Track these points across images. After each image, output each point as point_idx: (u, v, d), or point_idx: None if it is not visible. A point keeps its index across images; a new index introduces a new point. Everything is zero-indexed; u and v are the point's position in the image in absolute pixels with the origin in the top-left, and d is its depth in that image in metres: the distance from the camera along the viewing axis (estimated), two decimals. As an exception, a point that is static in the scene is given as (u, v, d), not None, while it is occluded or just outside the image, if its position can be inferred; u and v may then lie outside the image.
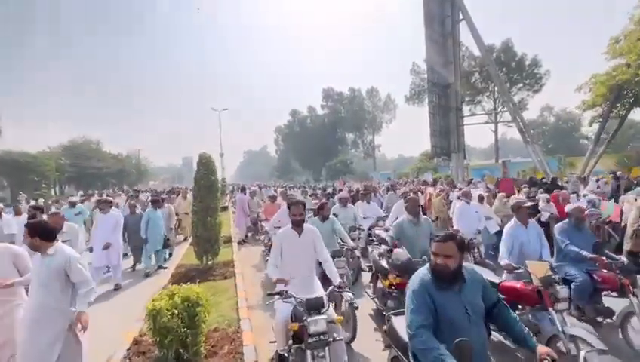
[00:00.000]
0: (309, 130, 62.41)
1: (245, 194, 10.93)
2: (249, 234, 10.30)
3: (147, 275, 6.73)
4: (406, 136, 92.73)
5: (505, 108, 35.64)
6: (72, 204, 8.17)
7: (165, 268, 7.13)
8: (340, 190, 15.17)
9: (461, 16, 23.01)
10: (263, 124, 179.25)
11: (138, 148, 57.92)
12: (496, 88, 35.20)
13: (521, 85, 34.67)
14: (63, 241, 2.92)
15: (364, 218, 6.71)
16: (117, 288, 6.02)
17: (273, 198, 8.52)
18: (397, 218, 4.82)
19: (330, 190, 16.02)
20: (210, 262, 6.67)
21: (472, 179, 18.38)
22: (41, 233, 2.65)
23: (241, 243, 9.58)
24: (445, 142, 23.87)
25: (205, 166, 6.59)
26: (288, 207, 3.25)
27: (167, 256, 8.00)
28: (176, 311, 2.97)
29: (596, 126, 19.06)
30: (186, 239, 10.02)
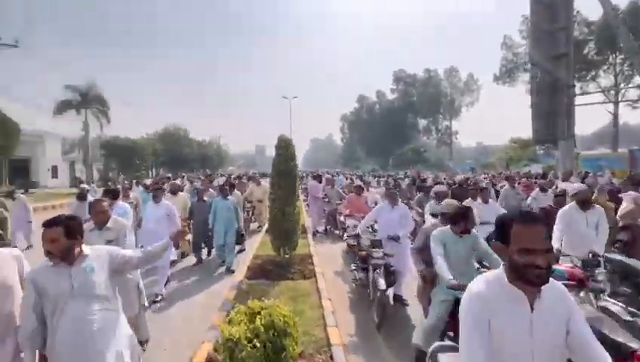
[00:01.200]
0: (376, 117, 59.86)
1: (320, 182, 10.10)
2: (328, 228, 9.32)
3: (228, 270, 5.95)
4: (487, 121, 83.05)
5: (629, 85, 28.64)
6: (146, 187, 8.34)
7: (232, 271, 5.92)
8: (424, 179, 13.51)
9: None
10: (331, 111, 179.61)
11: (218, 135, 62.88)
12: (617, 60, 28.39)
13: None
14: (107, 242, 2.65)
15: (481, 223, 4.79)
16: (156, 300, 4.57)
17: (359, 189, 7.29)
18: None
19: (408, 180, 14.46)
20: (287, 256, 6.02)
21: (587, 172, 14.88)
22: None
23: (314, 234, 8.91)
24: (551, 127, 19.87)
25: (285, 150, 5.86)
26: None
27: (235, 255, 6.41)
28: (257, 343, 2.17)
29: None
30: (260, 228, 9.69)
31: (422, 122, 60.22)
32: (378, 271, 3.91)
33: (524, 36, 34.74)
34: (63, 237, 1.76)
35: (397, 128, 55.96)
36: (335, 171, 28.95)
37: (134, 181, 18.47)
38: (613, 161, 20.41)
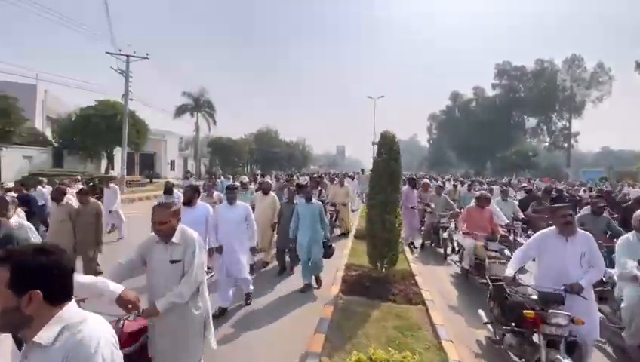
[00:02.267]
0: (472, 116, 53.75)
1: (414, 187, 8.34)
2: (427, 243, 7.84)
3: (302, 291, 5.01)
4: (614, 121, 66.58)
5: None
6: (244, 186, 7.81)
7: (320, 283, 5.26)
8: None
9: None
10: (414, 111, 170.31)
11: (304, 136, 65.76)
12: None
13: None
14: (172, 263, 2.30)
15: None
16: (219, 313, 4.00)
17: (484, 201, 5.73)
18: None
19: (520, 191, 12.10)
20: (384, 271, 5.24)
21: None
22: None
23: (410, 246, 7.74)
24: None
25: (388, 148, 5.09)
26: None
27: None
28: None
29: None
30: (344, 234, 8.96)
31: (530, 121, 51.92)
32: (557, 346, 2.54)
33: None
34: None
35: (498, 128, 49.42)
36: (429, 175, 26.60)
37: (230, 176, 20.09)
38: None
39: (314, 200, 5.29)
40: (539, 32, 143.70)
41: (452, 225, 7.54)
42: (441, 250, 7.16)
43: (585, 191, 10.34)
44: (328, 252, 5.20)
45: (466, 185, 11.40)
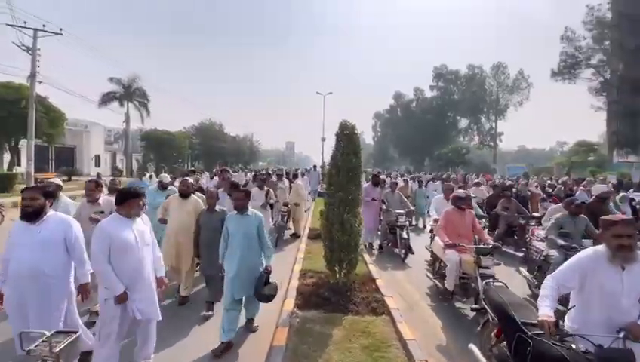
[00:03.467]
0: (413, 115, 57.16)
1: (377, 184, 7.56)
2: (384, 243, 7.25)
3: (248, 323, 3.75)
4: (530, 123, 76.71)
5: None
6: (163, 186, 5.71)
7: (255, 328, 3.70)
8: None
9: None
10: (361, 109, 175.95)
11: (252, 131, 63.36)
12: None
13: None
14: None
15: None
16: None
17: (464, 202, 4.66)
18: None
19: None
20: (344, 277, 4.72)
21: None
22: None
23: (369, 248, 7.23)
24: (629, 129, 17.05)
25: (348, 140, 4.56)
26: None
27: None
28: None
29: None
30: (296, 236, 8.31)
31: (462, 122, 56.63)
32: None
33: (590, 28, 30.96)
34: None
35: (435, 127, 53.06)
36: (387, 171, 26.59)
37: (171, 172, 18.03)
38: None
39: (251, 210, 3.52)
40: (475, 38, 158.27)
41: (408, 223, 7.09)
42: (399, 251, 6.67)
43: (537, 186, 10.74)
44: (264, 294, 3.38)
45: (417, 181, 11.42)
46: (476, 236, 4.49)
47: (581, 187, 8.76)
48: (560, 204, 5.52)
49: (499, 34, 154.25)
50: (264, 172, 16.84)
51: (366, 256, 6.29)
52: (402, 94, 60.99)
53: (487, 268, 3.70)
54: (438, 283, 4.65)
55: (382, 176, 9.80)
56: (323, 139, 37.84)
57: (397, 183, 8.22)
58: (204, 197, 4.58)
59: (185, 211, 4.39)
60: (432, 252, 5.19)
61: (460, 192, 4.82)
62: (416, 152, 55.80)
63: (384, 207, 7.20)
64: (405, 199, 7.51)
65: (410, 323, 3.77)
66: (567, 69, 33.20)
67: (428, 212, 10.39)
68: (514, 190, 8.62)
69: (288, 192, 8.86)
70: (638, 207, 5.73)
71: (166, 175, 6.29)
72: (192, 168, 20.89)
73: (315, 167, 18.47)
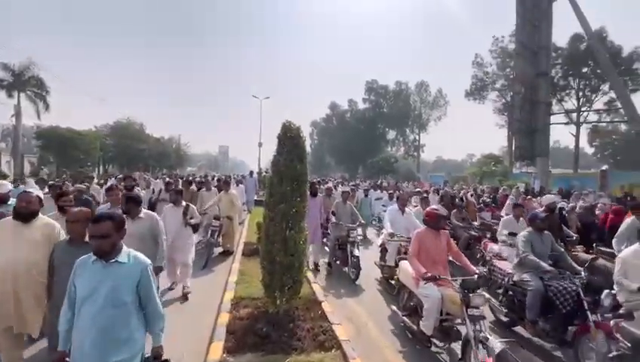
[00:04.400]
0: (347, 125, 59.48)
1: (315, 194, 6.48)
2: (334, 261, 6.38)
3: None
4: (445, 137, 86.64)
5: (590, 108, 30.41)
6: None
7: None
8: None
9: (561, -8, 18.77)
10: (300, 116, 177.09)
11: (179, 133, 58.03)
12: (580, 85, 30.03)
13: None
14: None
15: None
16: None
17: (442, 221, 3.96)
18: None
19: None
20: (284, 302, 4.00)
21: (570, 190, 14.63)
22: None
23: (315, 270, 6.38)
24: (529, 144, 19.87)
25: (293, 144, 3.89)
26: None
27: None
28: None
29: None
30: (228, 253, 7.21)
31: (390, 133, 60.69)
32: None
33: (495, 56, 35.97)
34: None
35: (367, 138, 55.85)
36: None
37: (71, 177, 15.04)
38: (586, 180, 20.77)
39: (129, 254, 1.97)
40: (400, 58, 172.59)
41: (359, 238, 6.26)
42: (348, 270, 5.88)
43: (472, 194, 11.23)
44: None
45: (362, 190, 11.18)
46: (456, 262, 3.75)
47: (511, 196, 9.40)
48: (511, 216, 5.51)
49: (424, 55, 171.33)
50: (190, 177, 14.93)
51: (309, 274, 5.64)
52: (337, 105, 63.12)
53: (476, 307, 2.96)
54: (409, 323, 3.74)
55: (329, 184, 9.24)
56: (260, 144, 36.63)
57: (349, 193, 7.23)
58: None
59: (24, 241, 2.71)
60: (397, 279, 4.30)
61: (439, 210, 3.88)
62: (350, 160, 57.89)
63: (333, 219, 6.32)
64: (356, 211, 6.76)
65: (365, 358, 3.22)
66: (478, 90, 38.05)
67: (372, 221, 10.10)
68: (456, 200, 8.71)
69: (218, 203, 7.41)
70: (566, 214, 6.24)
71: (31, 181, 4.83)
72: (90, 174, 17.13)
73: (252, 172, 16.55)
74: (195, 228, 5.20)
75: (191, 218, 5.07)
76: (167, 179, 11.48)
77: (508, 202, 8.41)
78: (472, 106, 40.10)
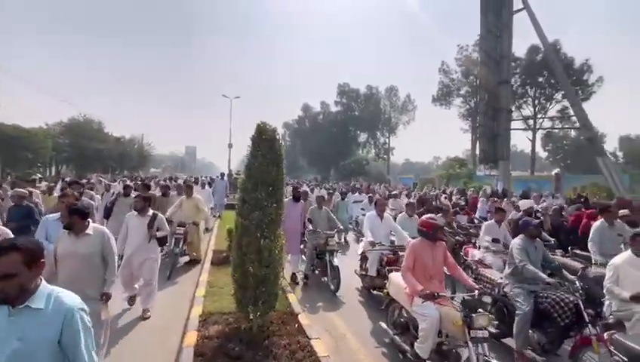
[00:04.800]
0: (320, 127, 59.58)
1: (299, 200, 6.15)
2: (313, 270, 6.04)
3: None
4: (415, 140, 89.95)
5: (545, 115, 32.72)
6: None
7: None
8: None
9: (520, 6, 19.95)
10: (271, 118, 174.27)
11: (142, 132, 54.72)
12: (536, 93, 32.25)
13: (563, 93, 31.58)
14: None
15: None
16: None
17: (439, 232, 3.48)
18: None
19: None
20: (260, 318, 3.70)
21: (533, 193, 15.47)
22: None
23: (294, 282, 5.87)
24: (492, 148, 20.88)
25: (268, 147, 3.61)
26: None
27: None
28: None
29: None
30: (195, 262, 6.71)
31: (362, 136, 61.63)
32: None
33: (459, 64, 37.70)
34: None
35: (339, 140, 56.26)
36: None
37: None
38: (543, 183, 22.23)
39: (54, 295, 1.38)
40: (371, 62, 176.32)
41: (338, 246, 5.88)
42: (329, 281, 5.50)
43: (446, 197, 11.36)
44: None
45: (337, 193, 10.90)
46: (452, 276, 3.46)
47: (482, 198, 9.63)
48: (492, 221, 5.34)
49: (395, 61, 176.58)
50: (148, 180, 13.79)
51: (285, 284, 5.34)
52: (310, 106, 63.06)
53: (480, 328, 2.70)
54: (401, 343, 3.42)
55: (304, 188, 8.80)
56: (230, 146, 35.55)
57: (324, 198, 6.82)
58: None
59: None
60: (386, 293, 3.86)
61: (436, 219, 3.53)
62: (322, 162, 57.96)
63: (310, 227, 5.90)
64: (333, 216, 6.32)
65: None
66: (444, 96, 39.66)
67: (351, 226, 9.67)
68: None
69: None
70: (541, 217, 6.41)
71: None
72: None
73: (222, 174, 15.48)
74: (163, 241, 4.59)
75: (158, 230, 4.43)
76: (127, 181, 10.58)
77: (480, 205, 8.59)
78: (439, 111, 41.83)
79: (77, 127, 38.54)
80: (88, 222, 2.96)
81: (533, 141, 32.31)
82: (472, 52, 34.08)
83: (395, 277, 3.63)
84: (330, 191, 11.54)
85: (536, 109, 32.04)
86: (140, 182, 9.29)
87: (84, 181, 10.97)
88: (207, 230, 8.47)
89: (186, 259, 6.78)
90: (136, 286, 4.55)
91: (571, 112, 25.70)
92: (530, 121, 32.52)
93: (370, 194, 10.37)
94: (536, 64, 30.28)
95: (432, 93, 40.70)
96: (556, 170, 22.95)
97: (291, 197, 6.13)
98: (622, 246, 4.53)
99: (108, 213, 6.24)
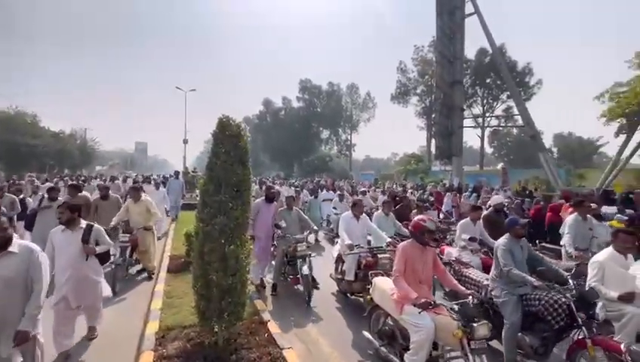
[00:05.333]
0: (282, 123, 58.79)
1: (272, 201, 5.73)
2: (280, 280, 5.47)
3: None
4: (374, 137, 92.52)
5: (492, 114, 35.28)
6: None
7: None
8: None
9: (471, 10, 21.13)
10: (229, 113, 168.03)
11: (85, 127, 49.61)
12: (484, 93, 34.63)
13: (509, 93, 34.30)
14: None
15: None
16: None
17: (432, 235, 3.24)
18: None
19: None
20: (225, 330, 3.39)
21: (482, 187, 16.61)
22: None
23: (260, 288, 5.36)
24: (446, 144, 22.03)
25: (232, 144, 3.29)
26: None
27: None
28: None
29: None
30: (146, 273, 5.93)
31: (324, 133, 61.93)
32: None
33: (416, 64, 39.26)
34: None
35: (302, 136, 56.06)
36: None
37: None
38: (491, 177, 23.89)
39: None
40: (333, 59, 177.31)
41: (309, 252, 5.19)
42: (302, 289, 4.97)
43: (412, 192, 11.46)
44: None
45: (306, 191, 10.52)
46: (442, 282, 3.33)
47: (447, 193, 9.90)
48: (468, 219, 5.04)
49: (356, 59, 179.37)
50: (80, 179, 12.19)
51: (252, 289, 4.99)
52: (271, 101, 61.86)
53: (481, 339, 2.57)
54: (388, 354, 3.22)
55: (276, 187, 8.17)
56: (185, 141, 33.72)
57: (294, 198, 6.15)
58: None
59: None
60: (370, 299, 3.60)
61: (426, 221, 3.18)
62: (285, 159, 57.38)
63: (279, 232, 5.30)
64: (306, 217, 5.81)
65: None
66: (401, 94, 41.06)
67: (322, 224, 9.32)
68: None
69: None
70: (508, 212, 6.61)
71: None
72: None
73: (177, 173, 14.34)
74: (105, 258, 3.80)
75: (96, 244, 3.59)
76: (55, 182, 9.17)
77: (447, 199, 8.80)
78: (397, 109, 43.51)
79: (7, 120, 34.03)
80: (9, 236, 2.38)
81: (482, 138, 34.76)
82: (427, 52, 35.67)
83: (381, 282, 3.41)
84: (297, 190, 11.12)
85: (485, 108, 34.45)
86: (72, 183, 7.50)
87: (6, 183, 9.42)
88: (159, 238, 7.61)
89: (138, 267, 6.07)
90: (68, 342, 3.38)
91: (515, 111, 27.98)
92: (479, 120, 34.94)
93: (339, 192, 10.15)
94: (484, 66, 32.49)
95: (392, 91, 41.89)
96: (502, 165, 24.80)
97: (264, 197, 5.61)
98: (592, 240, 4.57)
99: (30, 224, 5.31)
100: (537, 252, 4.08)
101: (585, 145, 41.28)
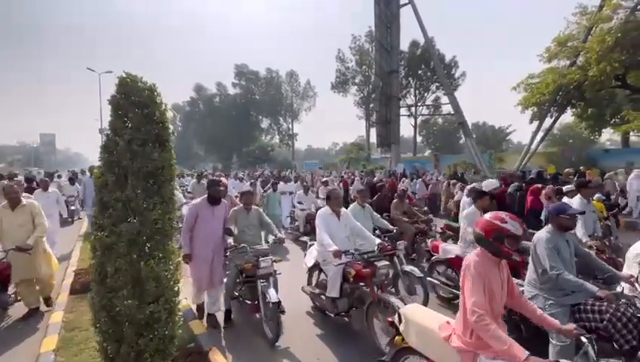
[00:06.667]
0: (217, 110, 55.00)
1: (219, 200, 3.95)
2: (231, 306, 3.98)
3: None
4: (316, 126, 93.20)
5: (423, 104, 37.56)
6: None
7: None
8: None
9: (406, 1, 21.69)
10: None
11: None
12: (416, 84, 36.60)
13: (437, 84, 36.79)
14: None
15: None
16: None
17: None
18: None
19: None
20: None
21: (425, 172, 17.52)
22: None
23: (200, 311, 4.00)
24: (385, 132, 22.65)
25: (142, 115, 2.28)
26: None
27: None
28: None
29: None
30: (45, 303, 4.29)
31: (264, 121, 59.90)
32: None
33: (354, 53, 39.73)
34: None
35: (240, 125, 53.24)
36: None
37: None
38: (425, 163, 25.37)
39: None
40: (270, 44, 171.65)
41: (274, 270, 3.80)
42: (263, 321, 3.58)
43: (361, 180, 11.08)
44: None
45: (258, 184, 9.33)
46: (519, 310, 2.30)
47: (415, 180, 9.65)
48: (473, 207, 4.26)
49: (297, 47, 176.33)
50: None
51: (185, 303, 3.96)
52: (204, 87, 57.37)
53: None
54: None
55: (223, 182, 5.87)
56: (101, 131, 29.24)
57: (251, 193, 4.52)
58: None
59: None
60: (401, 340, 2.29)
61: (509, 223, 2.20)
62: (222, 149, 54.01)
63: (230, 241, 3.78)
64: (269, 220, 4.33)
65: None
66: (341, 84, 41.35)
67: (284, 224, 8.19)
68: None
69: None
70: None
71: None
72: None
73: (92, 168, 11.75)
74: None
75: None
76: None
77: (418, 186, 8.46)
78: (338, 98, 43.91)
79: None
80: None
81: (415, 127, 36.83)
82: (364, 42, 36.22)
83: (416, 314, 2.28)
84: (252, 182, 9.76)
85: (417, 98, 36.43)
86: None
87: None
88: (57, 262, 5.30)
89: (19, 305, 4.10)
90: None
91: (442, 102, 30.12)
92: (412, 109, 36.93)
93: (305, 183, 9.15)
94: (416, 58, 34.18)
95: (332, 80, 41.91)
96: (431, 151, 26.54)
97: (205, 197, 3.92)
98: (596, 224, 4.17)
99: None
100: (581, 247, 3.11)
101: (497, 133, 46.93)
